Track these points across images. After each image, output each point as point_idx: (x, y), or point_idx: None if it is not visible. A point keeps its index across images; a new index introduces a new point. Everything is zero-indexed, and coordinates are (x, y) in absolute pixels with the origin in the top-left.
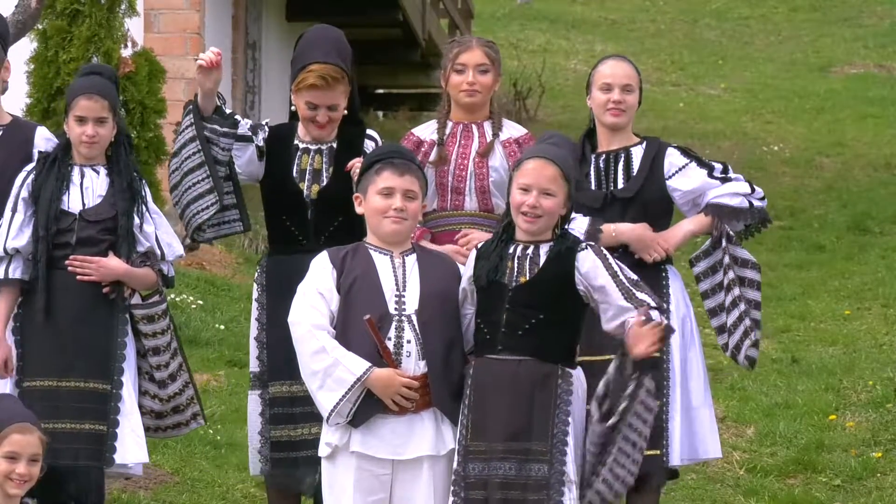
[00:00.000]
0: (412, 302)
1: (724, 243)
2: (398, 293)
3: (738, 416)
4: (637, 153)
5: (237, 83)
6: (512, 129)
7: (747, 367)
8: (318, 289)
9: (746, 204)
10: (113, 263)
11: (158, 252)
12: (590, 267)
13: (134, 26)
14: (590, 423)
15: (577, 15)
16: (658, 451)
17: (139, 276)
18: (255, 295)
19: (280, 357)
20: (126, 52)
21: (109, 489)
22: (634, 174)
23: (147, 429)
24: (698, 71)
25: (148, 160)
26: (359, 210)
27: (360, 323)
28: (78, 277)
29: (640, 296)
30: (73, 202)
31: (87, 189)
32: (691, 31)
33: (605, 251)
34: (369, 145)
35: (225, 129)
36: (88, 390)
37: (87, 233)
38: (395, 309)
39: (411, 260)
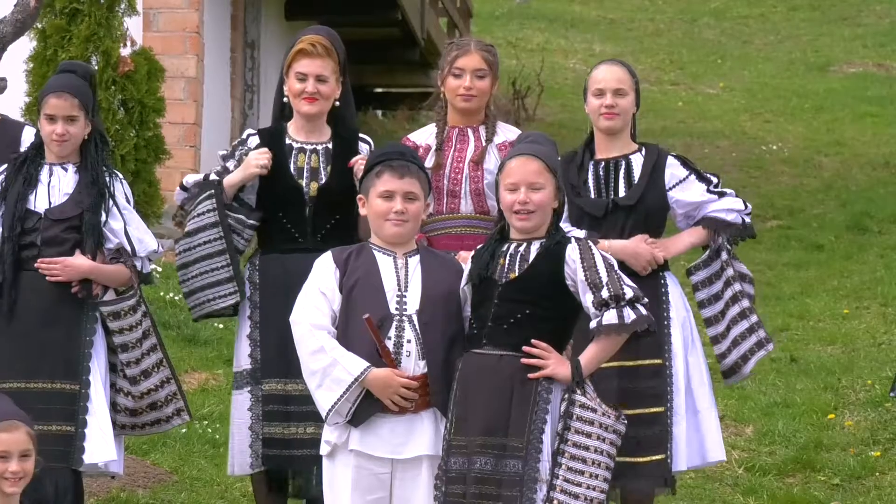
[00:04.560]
0: (413, 302)
1: (724, 256)
2: (399, 293)
3: (736, 415)
4: (637, 161)
5: (236, 82)
6: (507, 132)
7: (742, 378)
8: (320, 288)
9: (740, 220)
10: (78, 262)
11: (128, 248)
12: (574, 263)
13: (133, 25)
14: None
15: (575, 14)
16: (662, 455)
17: (108, 273)
18: (245, 293)
19: (274, 354)
20: (125, 51)
21: (109, 488)
22: (636, 182)
23: (123, 426)
24: (697, 70)
25: (147, 159)
26: (362, 212)
27: (360, 323)
28: (48, 278)
29: (604, 293)
30: (39, 201)
31: (54, 188)
32: (690, 30)
33: (591, 246)
34: (363, 148)
35: (251, 222)
36: (55, 391)
37: (52, 232)
38: (396, 309)
39: (414, 261)
